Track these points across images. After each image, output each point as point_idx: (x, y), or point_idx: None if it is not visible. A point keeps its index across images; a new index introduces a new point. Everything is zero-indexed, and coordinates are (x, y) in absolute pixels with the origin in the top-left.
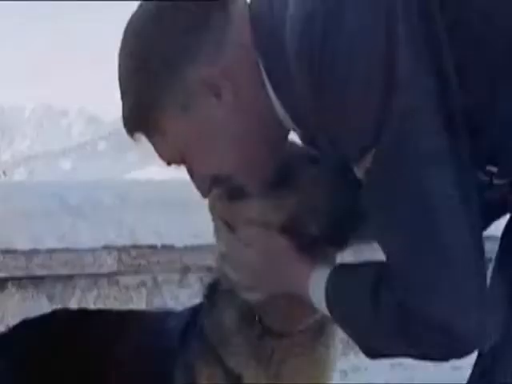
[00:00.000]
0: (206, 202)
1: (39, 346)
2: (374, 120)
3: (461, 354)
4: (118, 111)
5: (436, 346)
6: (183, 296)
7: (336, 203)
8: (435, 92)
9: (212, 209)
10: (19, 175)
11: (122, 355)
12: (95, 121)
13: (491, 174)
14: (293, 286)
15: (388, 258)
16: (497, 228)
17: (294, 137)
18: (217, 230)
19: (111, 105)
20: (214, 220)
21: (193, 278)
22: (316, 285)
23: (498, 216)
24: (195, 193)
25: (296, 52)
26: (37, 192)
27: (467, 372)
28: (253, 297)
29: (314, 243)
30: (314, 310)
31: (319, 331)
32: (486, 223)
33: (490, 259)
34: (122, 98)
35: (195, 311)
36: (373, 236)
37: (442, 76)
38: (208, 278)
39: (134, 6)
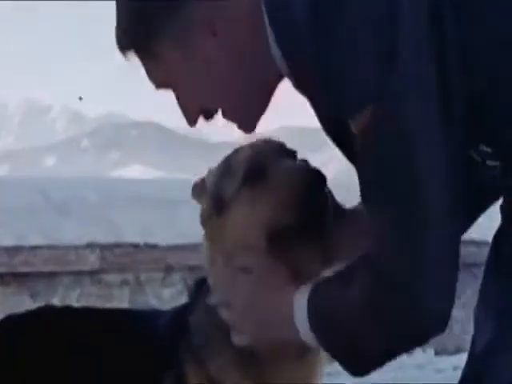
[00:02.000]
0: (190, 201)
1: (24, 341)
2: (377, 74)
3: (426, 327)
4: (101, 108)
5: (404, 318)
6: (166, 295)
7: (313, 193)
8: (436, 66)
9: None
10: (2, 171)
11: (108, 354)
12: (79, 117)
13: (484, 155)
14: (281, 315)
15: (371, 223)
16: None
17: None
18: (210, 263)
19: (95, 101)
20: (207, 252)
21: (176, 277)
22: (299, 303)
23: (489, 202)
24: (179, 192)
25: None
26: (20, 188)
27: (449, 374)
28: (242, 341)
29: (301, 258)
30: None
31: (314, 357)
32: (478, 209)
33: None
34: (118, 16)
35: (183, 310)
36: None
37: (444, 49)
38: (191, 278)
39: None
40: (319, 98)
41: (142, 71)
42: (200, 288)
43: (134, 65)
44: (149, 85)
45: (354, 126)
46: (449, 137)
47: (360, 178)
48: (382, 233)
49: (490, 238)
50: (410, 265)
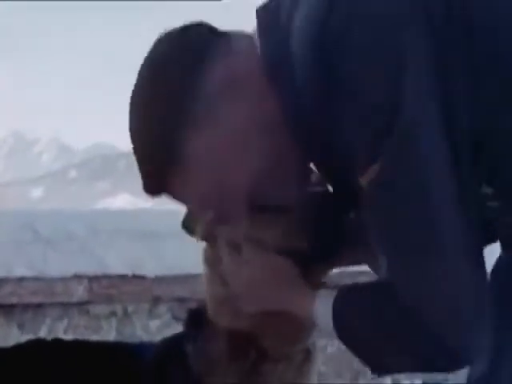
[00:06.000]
0: (178, 232)
1: (12, 376)
2: (379, 133)
3: (454, 363)
4: (89, 139)
5: (432, 355)
6: (153, 326)
7: (323, 220)
8: (439, 111)
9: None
10: None
11: None
12: (67, 149)
13: (485, 196)
14: (293, 306)
15: (387, 267)
16: None
17: None
18: (210, 253)
19: (82, 132)
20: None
21: (163, 309)
22: (322, 307)
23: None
24: (167, 223)
25: (305, 60)
26: (7, 220)
27: None
28: (248, 309)
29: (306, 264)
30: (309, 332)
31: (307, 357)
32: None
33: None
34: (142, 156)
35: (172, 343)
36: (370, 249)
37: (447, 95)
38: (179, 309)
39: (115, 30)
40: (324, 161)
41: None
42: (196, 317)
43: (121, 95)
44: None
45: (363, 180)
46: (457, 179)
47: (371, 227)
48: (399, 275)
49: None
50: (435, 303)
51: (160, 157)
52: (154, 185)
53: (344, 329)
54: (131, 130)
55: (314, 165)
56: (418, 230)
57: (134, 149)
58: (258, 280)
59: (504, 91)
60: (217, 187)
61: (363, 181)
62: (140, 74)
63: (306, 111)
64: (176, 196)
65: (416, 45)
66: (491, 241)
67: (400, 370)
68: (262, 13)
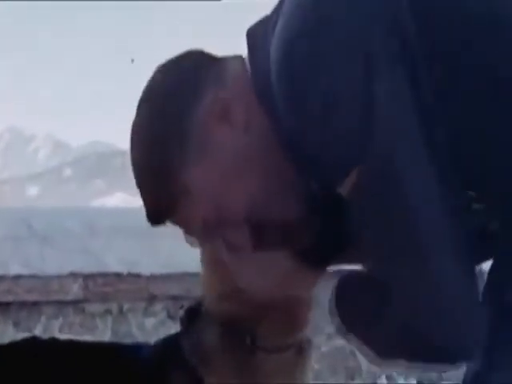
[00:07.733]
0: (174, 231)
1: (7, 374)
2: (356, 142)
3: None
4: (85, 137)
5: (432, 358)
6: (149, 324)
7: (320, 226)
8: (415, 112)
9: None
10: None
11: None
12: (62, 146)
13: (469, 199)
14: (298, 289)
15: (382, 269)
16: None
17: None
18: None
19: (79, 130)
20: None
21: (159, 307)
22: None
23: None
24: None
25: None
26: (3, 218)
27: None
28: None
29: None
30: (305, 324)
31: (300, 353)
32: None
33: None
34: (144, 192)
35: (170, 341)
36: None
37: (422, 103)
38: (174, 307)
39: (110, 26)
40: (305, 172)
41: (127, 99)
42: (192, 314)
43: (118, 93)
44: (133, 113)
45: (343, 188)
46: (439, 182)
47: (361, 232)
48: (393, 276)
49: None
50: (429, 303)
51: (161, 187)
52: (157, 214)
53: (345, 314)
54: (132, 161)
55: (307, 175)
56: (401, 232)
57: (137, 181)
58: (264, 274)
59: (471, 101)
60: (219, 212)
61: (344, 189)
62: (138, 107)
63: (288, 131)
64: (181, 225)
65: (383, 50)
66: (490, 255)
67: (402, 358)
68: (251, 32)
